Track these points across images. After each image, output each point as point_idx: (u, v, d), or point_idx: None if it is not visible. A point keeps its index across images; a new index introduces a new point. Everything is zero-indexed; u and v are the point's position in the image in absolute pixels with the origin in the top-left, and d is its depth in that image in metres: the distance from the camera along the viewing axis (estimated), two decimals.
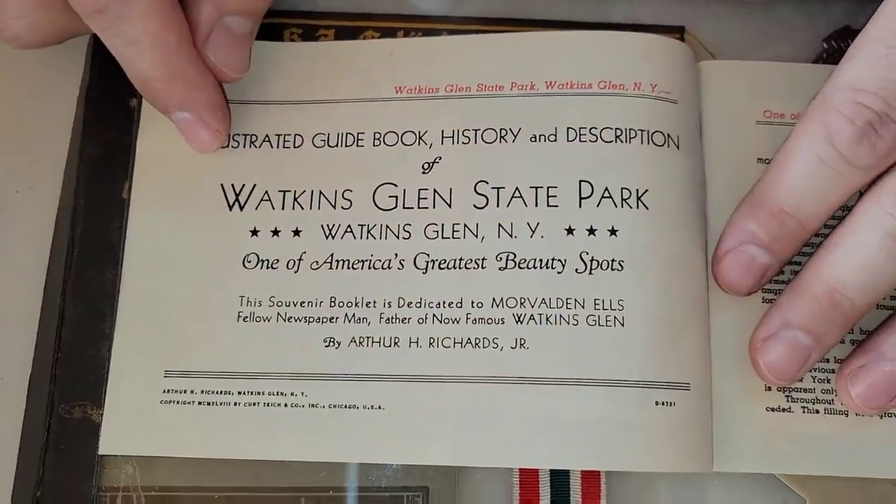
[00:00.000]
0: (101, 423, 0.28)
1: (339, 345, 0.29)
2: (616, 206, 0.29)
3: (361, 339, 0.29)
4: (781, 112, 0.31)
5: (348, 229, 0.30)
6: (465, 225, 0.29)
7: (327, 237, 0.30)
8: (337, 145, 0.31)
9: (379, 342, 0.28)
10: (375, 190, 0.30)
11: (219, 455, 0.28)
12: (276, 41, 0.32)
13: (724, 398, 0.29)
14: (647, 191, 0.29)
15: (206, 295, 0.29)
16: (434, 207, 0.30)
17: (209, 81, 0.29)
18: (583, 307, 0.28)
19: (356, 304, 0.29)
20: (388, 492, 0.28)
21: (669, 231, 0.29)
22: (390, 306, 0.29)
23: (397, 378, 0.28)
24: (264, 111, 0.31)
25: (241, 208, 0.30)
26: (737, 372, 0.29)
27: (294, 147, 0.31)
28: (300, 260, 0.30)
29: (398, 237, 0.29)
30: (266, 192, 0.30)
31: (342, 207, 0.30)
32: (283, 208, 0.30)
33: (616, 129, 0.30)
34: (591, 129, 0.30)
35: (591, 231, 0.29)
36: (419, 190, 0.30)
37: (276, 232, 0.30)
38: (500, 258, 0.29)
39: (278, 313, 0.29)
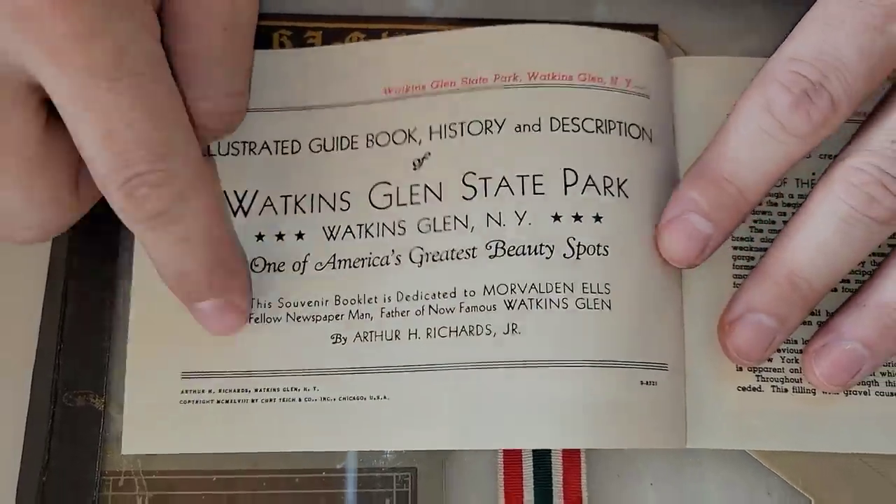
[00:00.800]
0: (104, 411, 0.29)
1: (345, 341, 0.29)
2: (600, 194, 0.29)
3: (365, 334, 0.29)
4: None
5: (348, 230, 0.30)
6: (455, 217, 0.30)
7: (329, 238, 0.30)
8: (333, 149, 0.31)
9: (381, 336, 0.29)
10: (371, 190, 0.30)
11: (239, 449, 0.29)
12: (267, 48, 0.32)
13: (697, 378, 0.29)
14: (626, 180, 0.30)
15: None
16: (426, 202, 0.30)
17: (243, 264, 0.29)
18: (571, 291, 0.28)
19: (359, 301, 0.30)
20: (379, 472, 0.29)
21: (647, 219, 0.30)
22: (390, 301, 0.29)
23: (400, 369, 0.29)
24: (261, 119, 0.31)
25: (246, 214, 0.31)
26: (709, 353, 0.29)
27: (292, 153, 0.31)
28: (304, 262, 0.30)
29: (394, 234, 0.30)
30: (268, 197, 0.31)
31: (341, 209, 0.30)
32: (285, 213, 0.31)
33: (597, 119, 0.30)
34: (573, 119, 0.30)
35: (577, 217, 0.29)
36: (411, 186, 0.30)
37: (280, 236, 0.30)
38: (490, 247, 0.29)
39: (287, 314, 0.30)
